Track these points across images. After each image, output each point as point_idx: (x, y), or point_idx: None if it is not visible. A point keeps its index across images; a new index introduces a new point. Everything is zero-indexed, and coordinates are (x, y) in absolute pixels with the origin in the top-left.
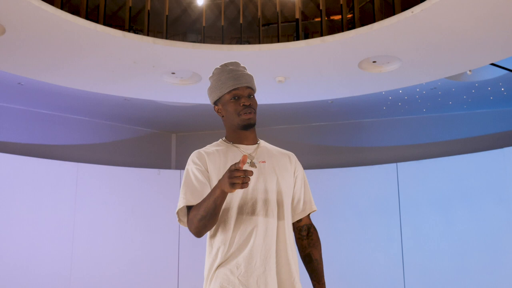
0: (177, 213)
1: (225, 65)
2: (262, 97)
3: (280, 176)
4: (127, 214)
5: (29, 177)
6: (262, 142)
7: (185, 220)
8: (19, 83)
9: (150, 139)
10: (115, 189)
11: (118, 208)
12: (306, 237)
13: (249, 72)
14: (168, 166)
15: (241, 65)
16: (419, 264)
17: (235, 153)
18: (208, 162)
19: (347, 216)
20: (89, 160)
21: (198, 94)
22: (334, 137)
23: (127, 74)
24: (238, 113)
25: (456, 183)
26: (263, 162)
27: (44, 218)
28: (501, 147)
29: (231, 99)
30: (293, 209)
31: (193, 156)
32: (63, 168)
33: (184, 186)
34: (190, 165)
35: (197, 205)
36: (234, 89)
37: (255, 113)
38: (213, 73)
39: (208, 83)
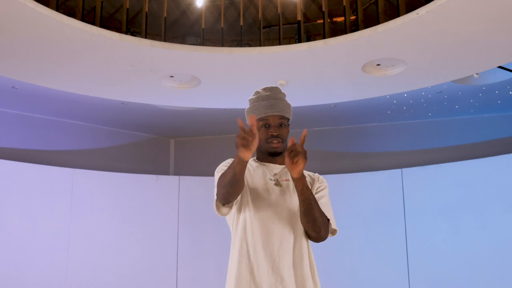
0: (216, 204)
1: (264, 89)
2: None
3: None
4: (124, 221)
5: (24, 183)
6: None
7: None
8: (13, 87)
9: (148, 144)
10: (112, 195)
11: (115, 215)
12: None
13: (287, 100)
14: (166, 172)
15: (281, 91)
16: (425, 273)
17: (262, 170)
18: None
19: (350, 223)
20: (85, 166)
21: (197, 98)
22: (337, 142)
23: (124, 78)
24: (266, 140)
25: (463, 190)
26: (286, 180)
27: (39, 225)
28: (509, 152)
29: (262, 126)
30: None
31: (227, 160)
32: (59, 174)
33: (217, 178)
34: (223, 164)
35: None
36: (265, 117)
37: (283, 142)
38: (253, 95)
39: (205, 86)
